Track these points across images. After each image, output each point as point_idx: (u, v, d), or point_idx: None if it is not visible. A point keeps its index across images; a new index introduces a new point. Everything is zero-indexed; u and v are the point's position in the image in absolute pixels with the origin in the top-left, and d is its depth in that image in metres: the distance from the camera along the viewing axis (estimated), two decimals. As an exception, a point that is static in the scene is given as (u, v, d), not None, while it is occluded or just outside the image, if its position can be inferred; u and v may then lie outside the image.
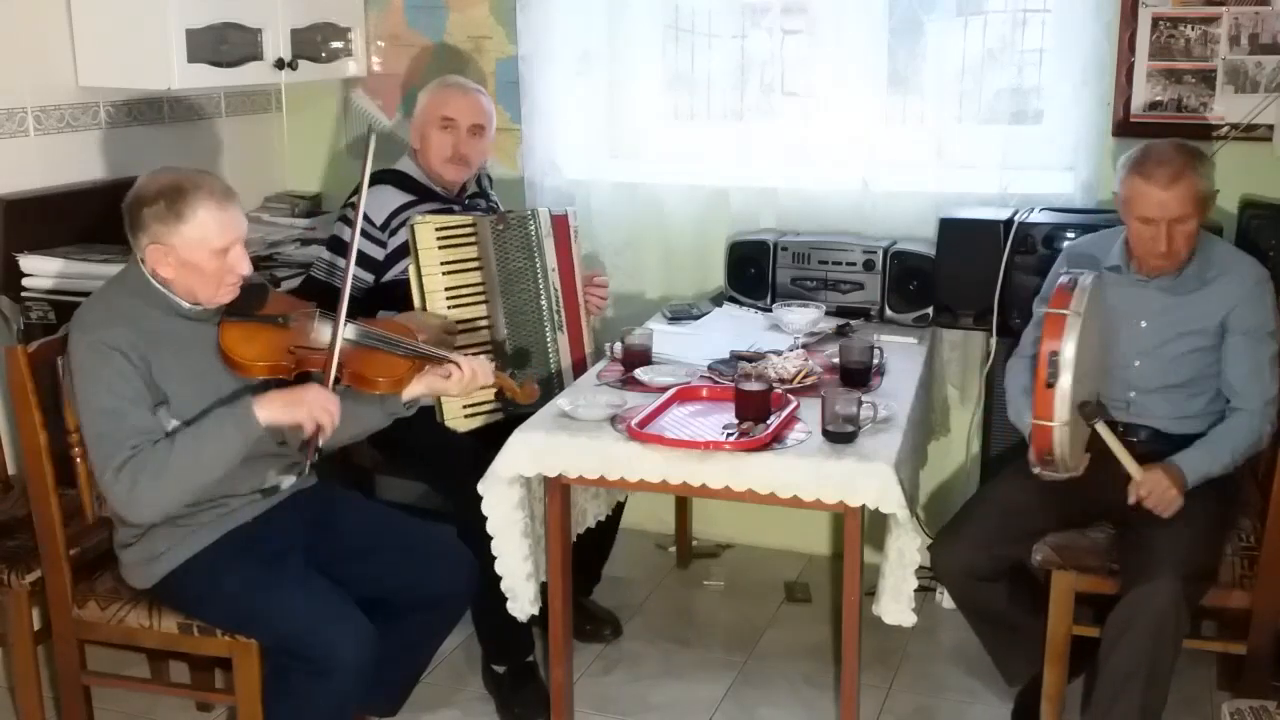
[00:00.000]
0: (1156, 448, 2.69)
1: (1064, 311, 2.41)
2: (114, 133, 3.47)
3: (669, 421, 2.64)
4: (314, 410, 2.36)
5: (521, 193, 3.79)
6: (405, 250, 3.07)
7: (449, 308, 3.02)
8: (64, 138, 3.32)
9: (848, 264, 3.42)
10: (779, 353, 2.96)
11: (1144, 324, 2.73)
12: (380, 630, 2.43)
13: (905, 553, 2.54)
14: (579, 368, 3.17)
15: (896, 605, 2.59)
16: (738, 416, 2.57)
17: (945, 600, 3.30)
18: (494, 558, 2.72)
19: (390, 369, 2.52)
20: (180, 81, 3.25)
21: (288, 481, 2.60)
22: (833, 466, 2.45)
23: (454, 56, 3.89)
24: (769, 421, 2.55)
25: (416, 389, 2.57)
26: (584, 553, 3.08)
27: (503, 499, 2.68)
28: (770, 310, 3.39)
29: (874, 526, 2.70)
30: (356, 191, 3.16)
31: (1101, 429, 2.54)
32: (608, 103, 3.81)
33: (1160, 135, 2.89)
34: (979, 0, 3.39)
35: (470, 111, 3.20)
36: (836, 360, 2.90)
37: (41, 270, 3.11)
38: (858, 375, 2.83)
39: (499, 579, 2.74)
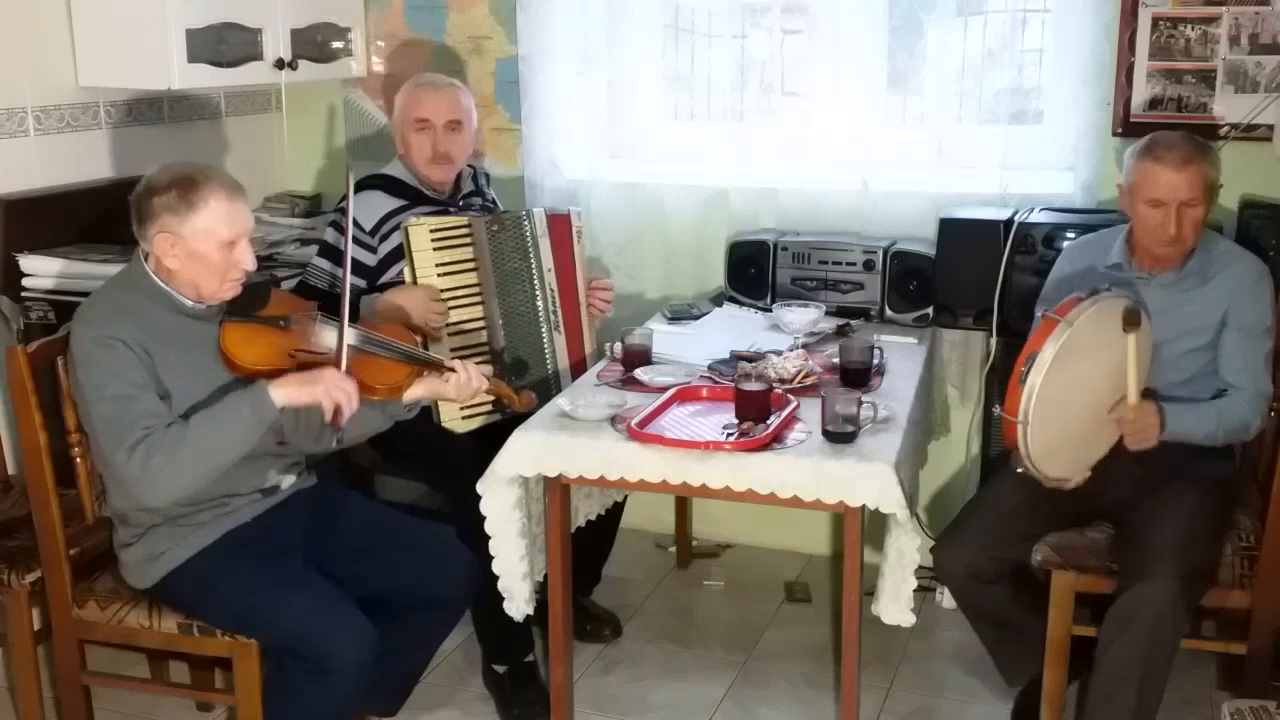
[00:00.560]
0: (1157, 446, 2.68)
1: (1058, 318, 2.42)
2: (114, 133, 3.47)
3: (669, 421, 2.64)
4: (330, 389, 2.35)
5: (522, 192, 3.79)
6: (398, 255, 3.07)
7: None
8: (64, 138, 3.33)
9: (848, 264, 3.42)
10: (779, 353, 2.96)
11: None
12: (380, 630, 2.43)
13: (905, 553, 2.54)
14: (579, 368, 3.17)
15: (896, 605, 2.58)
16: (738, 416, 2.57)
17: (945, 600, 3.30)
18: (492, 557, 2.72)
19: (391, 374, 2.52)
20: (180, 81, 3.25)
21: (288, 481, 2.60)
22: (833, 466, 2.45)
23: (454, 56, 3.89)
24: (769, 421, 2.55)
25: (416, 392, 2.57)
26: (584, 553, 3.08)
27: (501, 498, 2.68)
28: (770, 310, 3.39)
29: (874, 526, 2.70)
30: (346, 197, 3.17)
31: (1131, 341, 2.51)
32: (608, 103, 3.81)
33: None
34: (979, 0, 3.39)
35: (444, 108, 3.18)
36: (836, 360, 2.90)
37: (41, 270, 3.11)
38: (858, 375, 2.83)
39: (497, 579, 2.74)
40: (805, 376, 2.82)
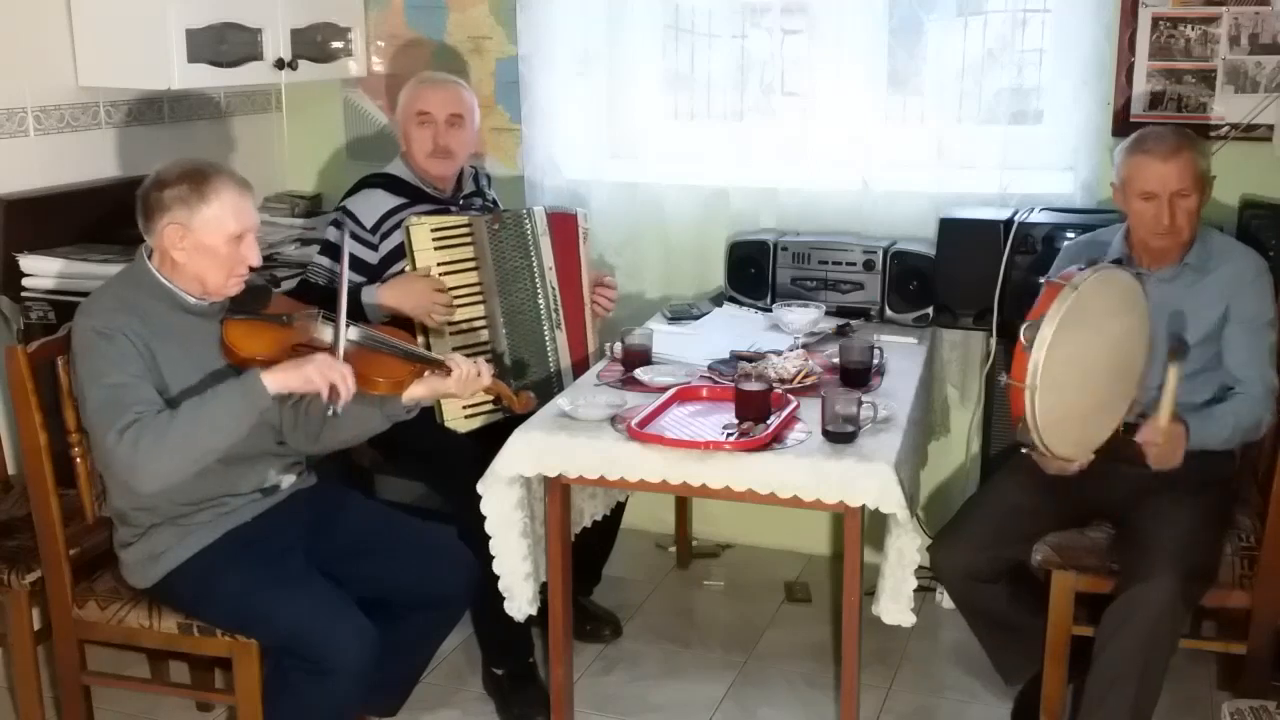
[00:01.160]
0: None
1: (1062, 283, 2.40)
2: (114, 133, 3.47)
3: (669, 421, 2.64)
4: (322, 368, 2.33)
5: (522, 192, 3.79)
6: (400, 254, 3.07)
7: None
8: (64, 138, 3.33)
9: (848, 264, 3.42)
10: (779, 353, 2.96)
11: (1180, 323, 2.73)
12: (380, 630, 2.43)
13: (905, 553, 2.54)
14: (580, 367, 3.17)
15: (896, 605, 2.58)
16: (738, 416, 2.57)
17: (945, 600, 3.30)
18: (493, 557, 2.72)
19: (391, 371, 2.52)
20: (180, 81, 3.25)
21: (288, 481, 2.60)
22: (833, 466, 2.45)
23: (454, 56, 3.89)
24: (769, 421, 2.55)
25: (417, 391, 2.57)
26: (584, 553, 3.08)
27: (502, 498, 2.68)
28: (770, 310, 3.39)
29: (874, 526, 2.70)
30: (349, 194, 3.18)
31: (1173, 372, 2.50)
32: (608, 103, 3.81)
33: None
34: (979, 0, 3.39)
35: (445, 103, 3.18)
36: (836, 360, 2.90)
37: (41, 270, 3.12)
38: (858, 375, 2.83)
39: (498, 579, 2.74)
40: (805, 376, 2.82)
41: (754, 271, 3.51)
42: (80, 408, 2.41)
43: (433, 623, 2.72)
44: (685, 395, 2.76)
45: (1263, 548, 2.61)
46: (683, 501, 3.77)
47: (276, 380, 2.33)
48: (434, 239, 3.03)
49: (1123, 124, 3.29)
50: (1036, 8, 3.35)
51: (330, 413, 2.35)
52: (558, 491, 2.68)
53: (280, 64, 3.50)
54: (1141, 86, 3.28)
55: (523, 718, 2.97)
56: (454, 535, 2.71)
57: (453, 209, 3.22)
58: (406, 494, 3.53)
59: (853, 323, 3.30)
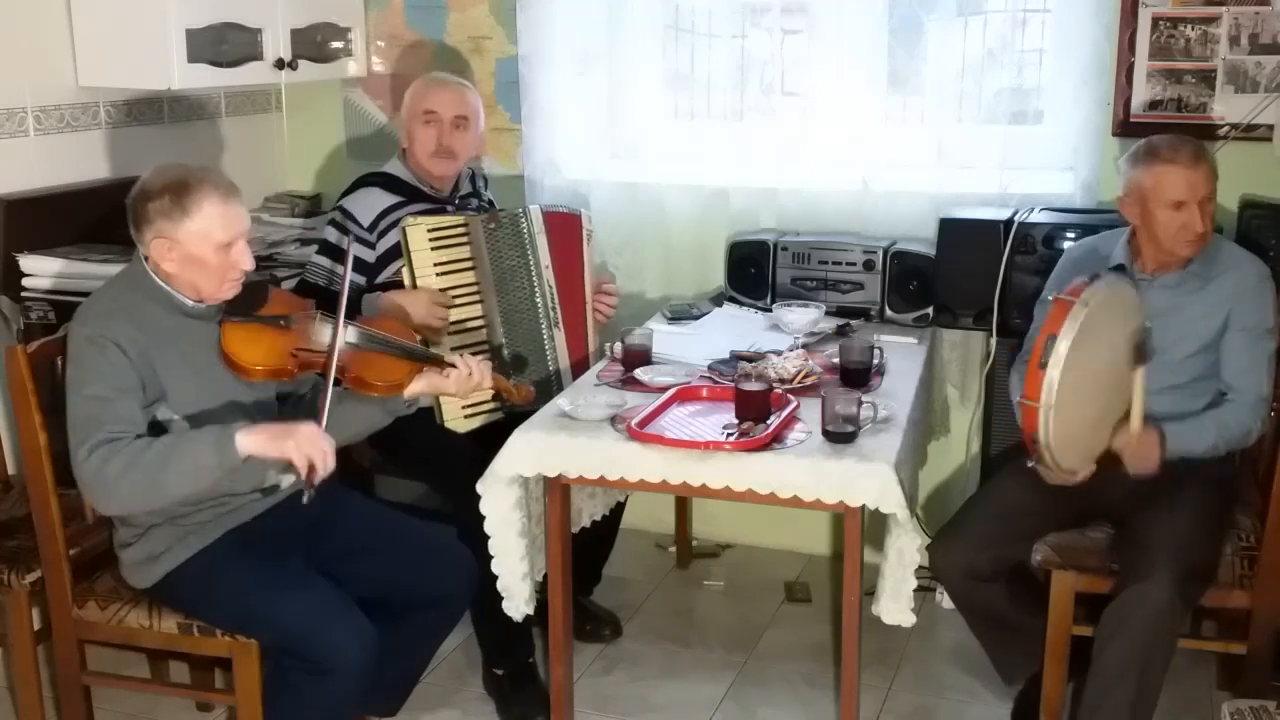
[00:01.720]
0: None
1: (1073, 300, 2.40)
2: (114, 133, 3.47)
3: (669, 421, 2.64)
4: (302, 445, 2.28)
5: (522, 192, 3.79)
6: (396, 252, 3.07)
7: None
8: (64, 138, 3.33)
9: (848, 264, 3.42)
10: (779, 353, 2.96)
11: (1149, 324, 2.73)
12: (380, 630, 2.43)
13: (905, 553, 2.54)
14: (580, 367, 3.17)
15: (896, 605, 2.58)
16: (738, 416, 2.57)
17: (945, 600, 3.28)
18: (491, 557, 2.72)
19: (391, 371, 2.52)
20: (180, 81, 3.25)
21: (288, 480, 2.60)
22: (832, 466, 2.45)
23: (454, 56, 3.89)
24: (769, 421, 2.55)
25: (417, 388, 2.57)
26: (584, 553, 3.08)
27: (501, 498, 2.68)
28: (770, 310, 3.39)
29: (874, 526, 2.70)
30: (345, 194, 3.18)
31: (1139, 376, 2.51)
32: (608, 103, 3.81)
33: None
34: (979, 0, 3.39)
35: (452, 104, 3.19)
36: (836, 360, 2.90)
37: (41, 270, 3.11)
38: (858, 375, 2.83)
39: (497, 579, 2.74)
40: (805, 376, 2.82)
41: (754, 271, 3.51)
42: (66, 409, 2.39)
43: (433, 623, 2.72)
44: (685, 395, 2.76)
45: (1263, 548, 2.61)
46: (683, 501, 3.77)
47: (253, 444, 2.28)
48: (430, 239, 3.03)
49: (1123, 124, 3.29)
50: (1036, 8, 3.35)
51: (304, 500, 2.30)
52: (558, 491, 2.68)
53: (280, 64, 3.50)
54: (1141, 86, 3.27)
55: (523, 718, 2.97)
56: (454, 535, 2.71)
57: (449, 209, 3.22)
58: (406, 494, 3.53)
59: (853, 323, 3.30)
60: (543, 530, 2.78)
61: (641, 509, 3.65)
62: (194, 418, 2.39)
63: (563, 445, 2.60)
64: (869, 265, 3.40)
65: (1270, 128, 3.16)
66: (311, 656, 2.36)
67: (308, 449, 2.29)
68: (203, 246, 2.36)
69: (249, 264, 2.43)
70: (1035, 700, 2.80)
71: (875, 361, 2.88)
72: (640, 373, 2.88)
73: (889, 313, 3.39)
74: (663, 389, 2.78)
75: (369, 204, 3.15)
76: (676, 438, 2.54)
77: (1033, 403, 2.39)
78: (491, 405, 3.02)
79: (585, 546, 3.07)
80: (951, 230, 3.25)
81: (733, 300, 3.55)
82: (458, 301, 3.06)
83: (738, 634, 3.41)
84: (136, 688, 2.94)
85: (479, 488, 2.67)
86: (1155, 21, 3.23)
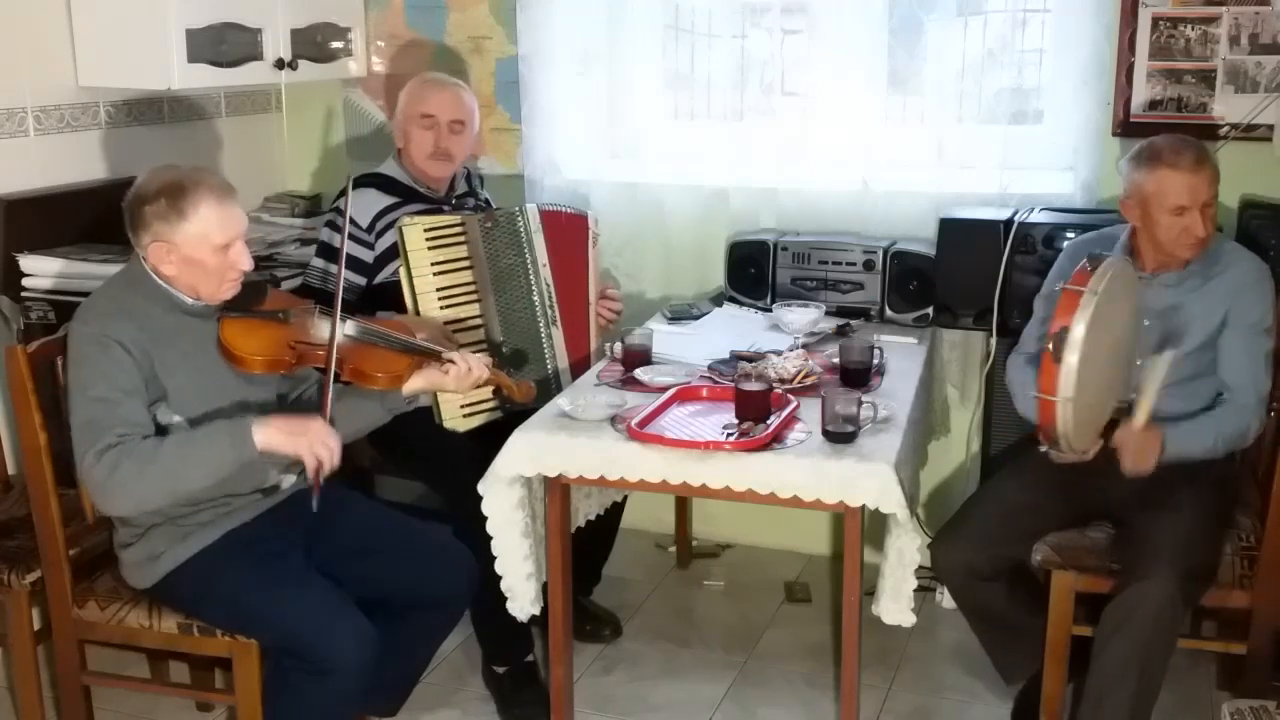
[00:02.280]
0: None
1: (1080, 289, 2.39)
2: (114, 133, 3.47)
3: (669, 421, 2.64)
4: (314, 444, 2.33)
5: (522, 192, 3.79)
6: (394, 252, 3.07)
7: (441, 308, 3.02)
8: (64, 138, 3.33)
9: (848, 264, 3.42)
10: (779, 353, 2.96)
11: (1147, 322, 2.73)
12: (380, 630, 2.43)
13: (905, 553, 2.54)
14: (580, 366, 3.17)
15: (896, 605, 2.58)
16: (738, 416, 2.57)
17: (945, 600, 3.30)
18: (494, 558, 2.72)
19: (389, 364, 2.52)
20: (180, 81, 3.25)
21: (288, 481, 2.60)
22: (832, 466, 2.45)
23: (454, 56, 3.89)
24: (769, 421, 2.55)
25: (416, 384, 2.57)
26: (583, 553, 3.08)
27: (503, 499, 2.68)
28: (770, 310, 3.39)
29: (874, 526, 2.70)
30: (341, 196, 3.18)
31: (1160, 362, 2.51)
32: (608, 103, 3.81)
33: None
34: (979, 0, 3.39)
35: (450, 107, 3.19)
36: (836, 360, 2.90)
37: (41, 270, 3.11)
38: (858, 375, 2.83)
39: (498, 579, 2.74)
40: (805, 376, 2.82)
41: (754, 271, 3.51)
42: (68, 415, 2.40)
43: (433, 623, 2.72)
44: (685, 395, 2.76)
45: (1263, 548, 2.61)
46: (683, 501, 3.77)
47: (268, 438, 2.32)
48: (427, 238, 3.02)
49: (1123, 124, 3.29)
50: (1036, 8, 3.35)
51: (314, 506, 2.36)
52: (558, 491, 2.68)
53: (280, 64, 3.50)
54: (1141, 86, 3.27)
55: (523, 718, 2.97)
56: (454, 535, 2.71)
57: (445, 208, 3.22)
58: (406, 494, 3.53)
59: (853, 323, 3.30)
60: (545, 530, 2.77)
61: (641, 509, 3.65)
62: (194, 419, 2.39)
63: (563, 445, 2.60)
64: (869, 265, 3.40)
65: (1270, 128, 3.16)
66: (311, 656, 2.36)
67: (318, 447, 2.33)
68: (201, 249, 2.36)
69: (247, 264, 2.43)
70: (1035, 700, 2.80)
71: (875, 361, 2.88)
72: (640, 373, 2.88)
73: (889, 313, 3.39)
74: (663, 389, 2.78)
75: (366, 204, 3.15)
76: (676, 438, 2.54)
77: (1050, 397, 2.38)
78: (491, 404, 3.02)
79: (585, 546, 3.07)
80: (951, 230, 3.25)
81: (733, 300, 3.55)
82: (456, 301, 3.06)
83: (738, 634, 3.41)
84: (136, 688, 2.94)
85: (481, 488, 2.67)
86: (1155, 21, 3.23)
